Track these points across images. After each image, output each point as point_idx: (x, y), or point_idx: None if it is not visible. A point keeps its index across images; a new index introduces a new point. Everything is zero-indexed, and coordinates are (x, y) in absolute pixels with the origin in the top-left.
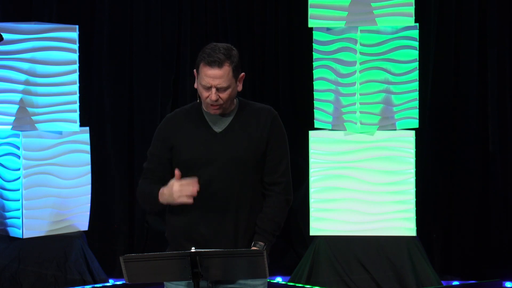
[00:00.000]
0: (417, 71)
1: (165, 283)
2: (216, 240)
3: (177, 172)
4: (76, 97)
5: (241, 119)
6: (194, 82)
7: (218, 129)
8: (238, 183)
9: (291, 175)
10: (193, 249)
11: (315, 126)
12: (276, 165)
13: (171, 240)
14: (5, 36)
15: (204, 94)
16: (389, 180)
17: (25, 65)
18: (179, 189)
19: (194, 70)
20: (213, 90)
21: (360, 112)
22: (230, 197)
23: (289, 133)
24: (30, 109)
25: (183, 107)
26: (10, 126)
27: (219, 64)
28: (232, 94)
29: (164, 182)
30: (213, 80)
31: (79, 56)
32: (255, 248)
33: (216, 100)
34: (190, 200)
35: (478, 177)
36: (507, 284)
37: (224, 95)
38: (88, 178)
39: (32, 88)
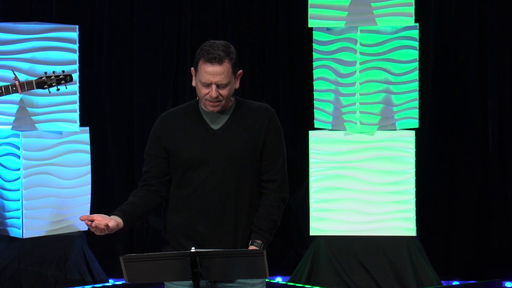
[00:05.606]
0: (417, 71)
1: (165, 283)
2: (215, 239)
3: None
4: (76, 97)
5: (239, 116)
6: (192, 81)
7: (215, 126)
8: (236, 180)
9: (287, 174)
10: (193, 249)
11: (315, 126)
12: (272, 163)
13: (169, 238)
14: (5, 36)
15: (203, 91)
16: (389, 180)
17: (25, 65)
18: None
19: (192, 69)
20: (214, 87)
21: (360, 112)
22: (229, 195)
23: (289, 133)
24: (30, 109)
25: (180, 106)
26: (10, 126)
27: (219, 60)
28: (231, 90)
29: (163, 184)
30: (214, 77)
31: (79, 56)
32: (253, 246)
33: (216, 97)
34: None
35: (478, 177)
36: (507, 284)
37: (224, 91)
38: (88, 178)
39: None
